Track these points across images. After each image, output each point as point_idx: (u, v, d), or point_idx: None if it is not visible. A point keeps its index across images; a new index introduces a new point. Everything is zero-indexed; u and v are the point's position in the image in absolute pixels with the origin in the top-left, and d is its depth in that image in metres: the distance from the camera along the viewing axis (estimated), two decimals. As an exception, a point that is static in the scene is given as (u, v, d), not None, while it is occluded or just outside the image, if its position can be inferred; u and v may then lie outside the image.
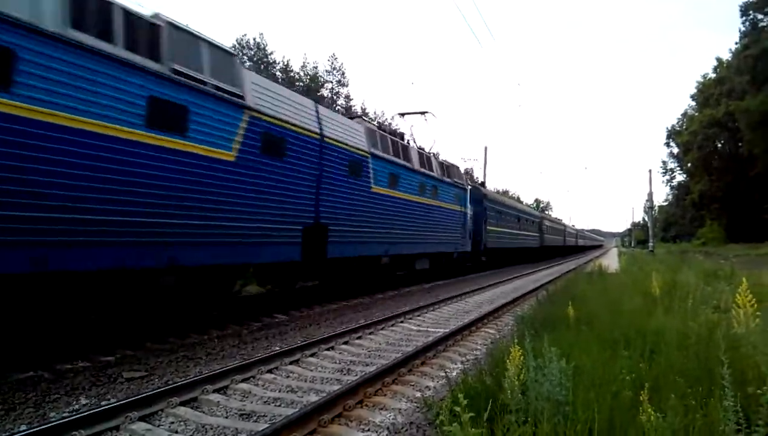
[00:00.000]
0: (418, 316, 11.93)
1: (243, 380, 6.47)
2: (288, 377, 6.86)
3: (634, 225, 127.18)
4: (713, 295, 10.00)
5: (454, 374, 6.74)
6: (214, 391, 5.99)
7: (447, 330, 9.67)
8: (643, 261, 29.12)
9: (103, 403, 5.60)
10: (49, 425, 4.55)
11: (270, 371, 6.95)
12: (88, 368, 7.02)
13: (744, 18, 58.31)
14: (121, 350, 7.96)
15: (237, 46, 65.49)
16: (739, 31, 60.35)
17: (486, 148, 62.61)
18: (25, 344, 7.36)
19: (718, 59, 72.15)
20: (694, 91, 78.31)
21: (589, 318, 7.41)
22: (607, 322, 6.98)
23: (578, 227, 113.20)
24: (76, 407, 5.53)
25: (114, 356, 7.64)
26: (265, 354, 7.52)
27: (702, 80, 76.04)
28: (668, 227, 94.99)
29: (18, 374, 6.40)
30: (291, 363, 7.38)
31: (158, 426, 5.04)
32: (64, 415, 5.16)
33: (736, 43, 62.15)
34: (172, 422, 5.15)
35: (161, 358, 7.65)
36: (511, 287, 20.16)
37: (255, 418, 5.31)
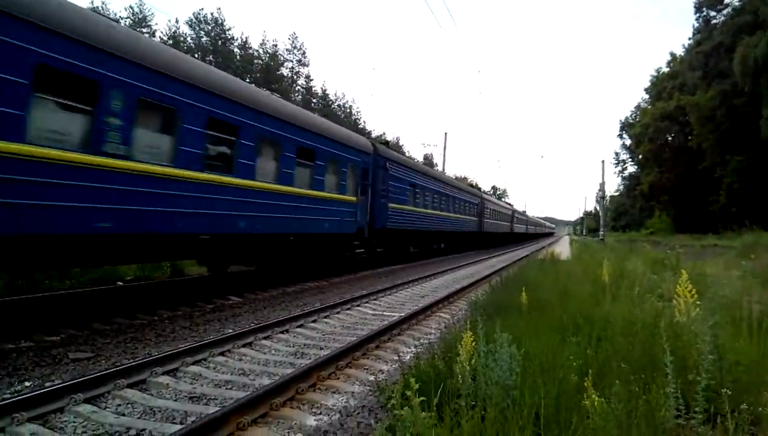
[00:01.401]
0: (375, 300, 11.97)
1: (194, 363, 6.37)
2: (240, 360, 6.79)
3: (587, 214, 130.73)
4: (659, 283, 10.36)
5: (408, 357, 6.79)
6: (164, 373, 5.88)
7: (402, 314, 9.74)
8: (593, 249, 29.92)
9: (47, 384, 5.42)
10: (-13, 407, 4.38)
11: (222, 354, 6.86)
12: (32, 347, 6.80)
13: (698, 14, 60.00)
14: (67, 329, 7.73)
15: (194, 20, 63.90)
16: (693, 27, 62.19)
17: (446, 135, 62.82)
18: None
19: (672, 54, 74.36)
20: (647, 84, 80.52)
21: (541, 304, 7.56)
22: (558, 308, 7.15)
23: (533, 214, 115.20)
24: (19, 388, 5.36)
25: (59, 336, 7.42)
26: (217, 337, 7.41)
27: (656, 74, 78.18)
28: (619, 216, 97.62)
29: (-45, 355, 6.16)
30: (243, 346, 7.30)
31: (104, 408, 4.91)
32: (6, 396, 4.97)
33: (690, 39, 64.02)
34: (119, 405, 5.03)
35: (108, 339, 7.46)
36: (467, 272, 20.43)
37: (205, 401, 5.23)
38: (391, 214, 20.15)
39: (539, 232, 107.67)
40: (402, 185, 21.59)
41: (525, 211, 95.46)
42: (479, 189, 56.67)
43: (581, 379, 3.58)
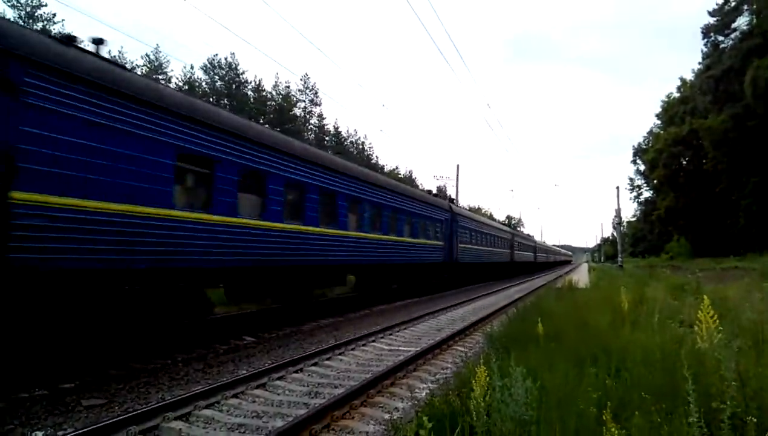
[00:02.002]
0: (390, 335, 11.83)
1: (207, 406, 6.29)
2: (254, 401, 6.69)
3: (604, 240, 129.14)
4: (680, 309, 10.14)
5: (423, 394, 6.66)
6: (176, 418, 5.80)
7: (418, 349, 9.60)
8: (612, 276, 29.51)
9: (59, 433, 5.38)
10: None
11: (235, 396, 6.78)
12: (46, 396, 6.76)
13: (705, 39, 60.30)
14: (83, 375, 7.69)
15: (208, 66, 65.30)
16: (701, 52, 62.38)
17: (458, 167, 62.99)
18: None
19: (682, 79, 74.33)
20: (659, 110, 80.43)
21: (558, 335, 7.41)
22: (576, 339, 6.99)
23: (549, 242, 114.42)
24: (31, 438, 5.31)
25: (74, 383, 7.37)
26: (231, 378, 7.34)
27: (666, 99, 78.13)
28: (636, 242, 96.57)
29: (-31, 405, 6.13)
30: (257, 387, 7.21)
31: (116, 456, 4.84)
32: (17, 448, 4.95)
33: (699, 64, 64.21)
34: (131, 452, 4.96)
35: (122, 384, 7.41)
36: (484, 303, 20.19)
37: (218, 445, 5.14)
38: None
39: (558, 260, 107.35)
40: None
41: (544, 242, 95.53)
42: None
43: (600, 411, 3.46)
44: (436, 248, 24.55)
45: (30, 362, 7.84)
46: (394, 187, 20.27)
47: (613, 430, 3.09)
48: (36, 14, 45.81)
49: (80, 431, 5.04)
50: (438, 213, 25.29)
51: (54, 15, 46.75)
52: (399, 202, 19.82)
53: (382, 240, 18.02)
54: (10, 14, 42.63)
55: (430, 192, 29.13)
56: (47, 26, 45.07)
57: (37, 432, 5.49)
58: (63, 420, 5.91)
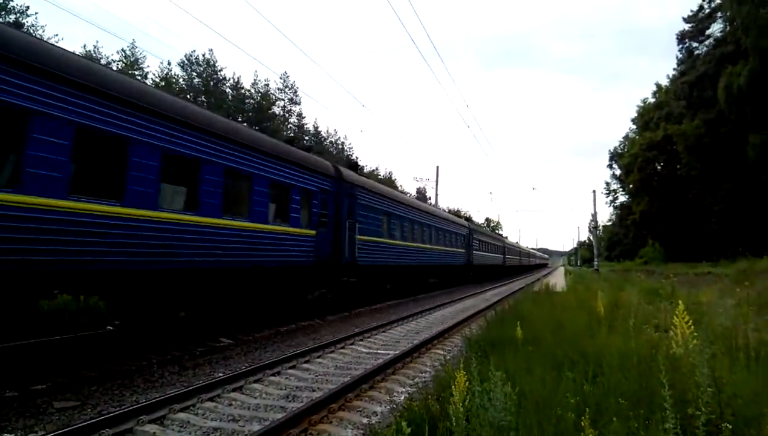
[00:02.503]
0: (369, 338, 11.80)
1: (182, 409, 6.20)
2: (230, 405, 6.61)
3: (580, 244, 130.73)
4: (654, 314, 10.27)
5: (402, 398, 6.64)
6: (150, 421, 5.71)
7: (397, 352, 9.58)
8: (588, 280, 29.86)
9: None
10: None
11: (211, 399, 6.69)
12: (16, 397, 6.60)
13: (680, 45, 61.27)
14: (55, 377, 7.53)
15: (186, 62, 64.61)
16: (676, 58, 63.36)
17: (438, 169, 63.16)
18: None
19: (657, 84, 75.33)
20: (634, 115, 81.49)
21: (536, 339, 7.45)
22: (553, 343, 7.03)
23: (527, 245, 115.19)
24: (-1, 442, 5.18)
25: (45, 384, 7.21)
26: (207, 381, 7.24)
27: (642, 105, 79.20)
28: (612, 246, 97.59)
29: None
30: (234, 390, 7.13)
31: (88, 461, 4.74)
32: (-16, 452, 4.82)
33: (674, 70, 65.17)
34: (103, 457, 4.86)
35: (95, 386, 7.27)
36: (463, 306, 20.26)
37: (193, 450, 5.07)
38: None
39: (533, 263, 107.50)
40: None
41: (518, 242, 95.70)
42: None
43: (578, 416, 3.48)
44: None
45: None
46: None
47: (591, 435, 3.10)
48: (8, 6, 44.83)
49: (52, 434, 4.92)
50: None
51: (27, 8, 45.75)
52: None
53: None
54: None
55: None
56: (20, 19, 44.15)
57: (6, 435, 5.35)
58: (34, 422, 5.79)
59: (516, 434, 3.45)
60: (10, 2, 45.16)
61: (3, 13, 44.15)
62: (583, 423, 3.21)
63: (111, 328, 11.94)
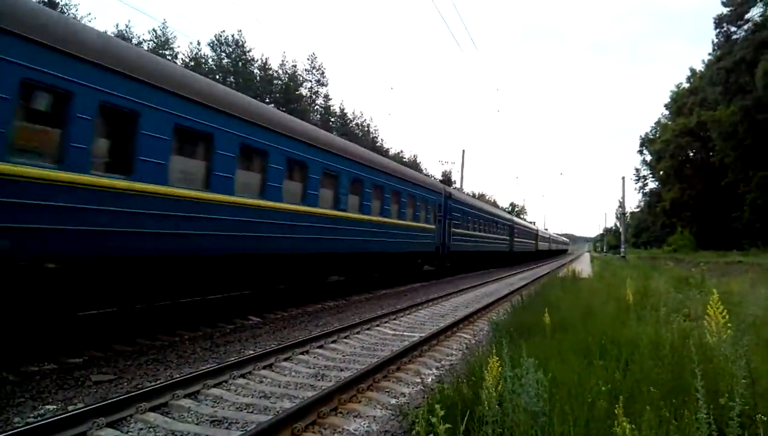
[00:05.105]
0: (394, 320, 11.89)
1: (215, 385, 6.35)
2: (261, 382, 6.75)
3: (607, 230, 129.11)
4: (684, 303, 10.15)
5: (430, 380, 6.72)
6: (185, 396, 5.86)
7: (423, 334, 9.64)
8: (615, 267, 29.53)
9: (69, 408, 5.43)
10: (14, 431, 4.39)
11: (243, 376, 6.84)
12: (55, 370, 6.83)
13: (717, 30, 59.49)
14: (90, 351, 7.76)
15: (215, 42, 64.92)
16: (713, 42, 61.53)
17: (464, 152, 62.61)
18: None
19: (692, 69, 73.44)
20: (667, 100, 79.70)
21: (564, 325, 7.44)
22: (582, 330, 7.02)
23: (553, 231, 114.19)
24: (42, 411, 5.37)
25: (82, 358, 7.44)
26: (238, 358, 7.39)
27: (676, 90, 77.38)
28: (640, 232, 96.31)
29: (-19, 377, 6.20)
30: (264, 368, 7.28)
31: (126, 433, 4.90)
32: (29, 420, 5.01)
33: (710, 54, 63.38)
34: (141, 429, 5.01)
35: (130, 360, 7.48)
36: (486, 290, 20.25)
37: (227, 424, 5.20)
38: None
39: (558, 248, 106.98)
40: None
41: (547, 229, 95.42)
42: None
43: (611, 405, 3.48)
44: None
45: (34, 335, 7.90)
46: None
47: (625, 424, 3.11)
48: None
49: (91, 406, 5.07)
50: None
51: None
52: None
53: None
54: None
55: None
56: (54, -1, 44.78)
57: (47, 406, 5.55)
58: (73, 395, 5.97)
59: (549, 420, 3.47)
60: (44, -19, 45.67)
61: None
62: (616, 411, 3.21)
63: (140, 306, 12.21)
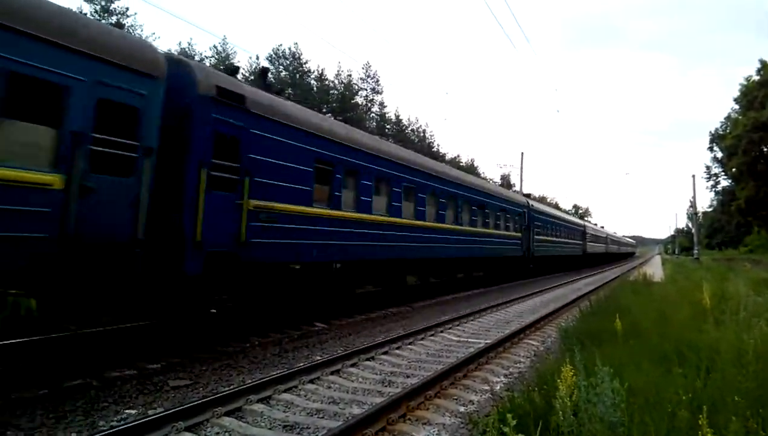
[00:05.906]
0: (458, 326, 11.82)
1: (285, 390, 6.50)
2: (329, 387, 6.86)
3: (678, 232, 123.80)
4: (766, 306, 9.63)
5: (498, 388, 6.63)
6: (258, 401, 6.03)
7: (488, 341, 9.55)
8: (688, 269, 28.35)
9: (150, 412, 5.68)
10: (99, 435, 4.63)
11: (312, 381, 6.97)
12: (135, 375, 7.13)
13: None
14: (167, 357, 8.07)
15: (273, 56, 66.48)
16: (787, 32, 58.32)
17: (522, 154, 61.59)
18: (74, 351, 7.54)
19: (762, 61, 69.49)
20: (737, 94, 75.84)
21: (636, 331, 7.20)
22: (656, 335, 6.78)
23: (620, 233, 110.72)
24: (124, 415, 5.63)
25: (159, 364, 7.74)
26: (307, 364, 7.55)
27: (746, 83, 73.53)
28: (713, 233, 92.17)
29: (68, 382, 6.54)
30: (332, 373, 7.39)
31: (204, 437, 5.09)
32: (113, 424, 5.27)
33: (783, 44, 60.08)
34: (218, 433, 5.19)
35: (205, 366, 7.74)
36: (552, 295, 19.83)
37: (299, 430, 5.31)
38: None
39: (622, 251, 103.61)
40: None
41: (615, 232, 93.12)
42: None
43: (693, 415, 3.36)
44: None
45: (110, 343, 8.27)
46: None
47: (709, 435, 3.00)
48: (110, 8, 47.87)
49: (170, 411, 5.29)
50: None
51: (127, 9, 48.79)
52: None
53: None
54: (87, 9, 44.67)
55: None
56: (120, 20, 47.03)
57: (129, 411, 5.82)
58: (152, 399, 6.23)
59: (627, 431, 3.38)
60: (111, 4, 48.15)
61: (105, 14, 47.13)
62: (700, 421, 3.10)
63: (214, 311, 12.60)
